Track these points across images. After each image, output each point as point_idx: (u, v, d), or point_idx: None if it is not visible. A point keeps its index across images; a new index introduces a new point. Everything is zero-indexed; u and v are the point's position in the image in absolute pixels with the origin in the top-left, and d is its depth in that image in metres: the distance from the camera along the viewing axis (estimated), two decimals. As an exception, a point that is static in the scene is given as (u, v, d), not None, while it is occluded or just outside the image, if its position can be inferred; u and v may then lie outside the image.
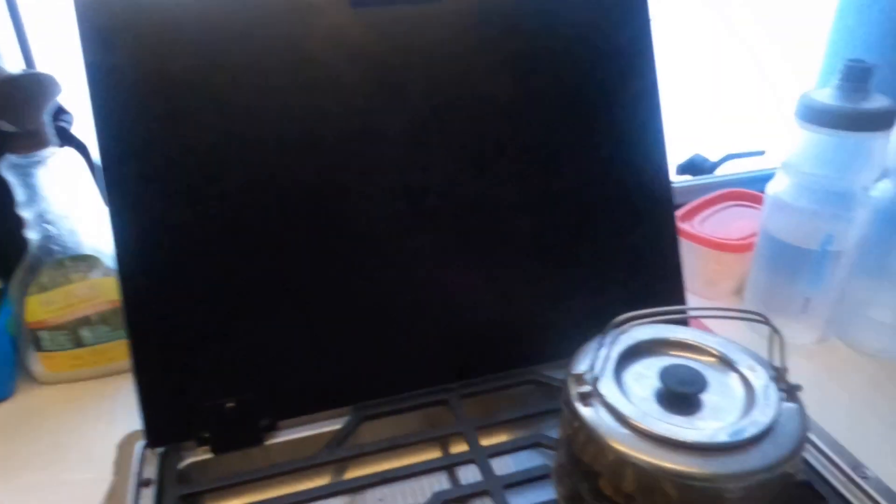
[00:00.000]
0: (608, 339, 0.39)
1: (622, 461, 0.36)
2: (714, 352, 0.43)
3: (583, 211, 0.55)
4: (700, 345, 0.43)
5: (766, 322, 0.39)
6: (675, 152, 0.87)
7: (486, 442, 0.50)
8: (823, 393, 0.54)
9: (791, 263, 0.56)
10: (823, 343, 0.61)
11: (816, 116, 0.50)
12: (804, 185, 0.54)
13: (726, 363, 0.42)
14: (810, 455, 0.47)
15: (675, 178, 0.82)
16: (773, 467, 0.36)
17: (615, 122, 0.55)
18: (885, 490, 0.44)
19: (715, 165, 0.82)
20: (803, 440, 0.37)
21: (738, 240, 0.64)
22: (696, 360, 0.42)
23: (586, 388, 0.39)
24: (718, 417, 0.38)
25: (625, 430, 0.37)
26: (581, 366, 0.41)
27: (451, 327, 0.54)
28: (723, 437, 0.36)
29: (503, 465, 0.50)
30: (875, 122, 0.49)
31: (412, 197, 0.51)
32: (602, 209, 0.56)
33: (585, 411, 0.39)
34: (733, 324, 0.63)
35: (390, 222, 0.51)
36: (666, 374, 0.40)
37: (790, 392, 0.39)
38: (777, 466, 0.36)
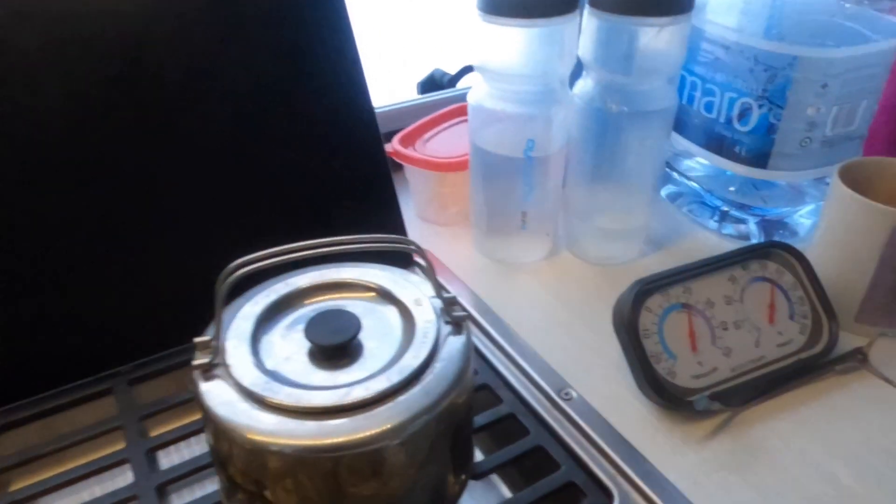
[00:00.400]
0: (224, 294, 0.31)
1: (245, 444, 0.29)
2: (378, 289, 0.36)
3: (280, 154, 0.48)
4: (363, 282, 0.36)
5: (417, 249, 0.33)
6: (417, 69, 0.81)
7: (160, 431, 0.41)
8: (542, 311, 0.51)
9: (502, 176, 0.51)
10: (553, 257, 0.57)
11: (496, 6, 0.44)
12: (500, 87, 0.49)
13: (390, 300, 0.36)
14: (518, 383, 0.43)
15: (416, 97, 0.75)
16: (427, 410, 0.30)
17: (304, 54, 0.48)
18: (586, 410, 0.41)
19: (455, 79, 0.76)
20: (463, 375, 0.32)
21: (458, 157, 0.58)
22: (358, 300, 0.36)
23: (206, 360, 0.31)
24: (369, 367, 0.32)
25: (246, 405, 0.30)
26: (210, 331, 0.33)
27: (110, 302, 0.44)
28: (360, 394, 0.30)
29: (182, 456, 0.42)
30: (555, 6, 0.44)
31: (64, 168, 0.41)
32: (300, 147, 0.49)
33: (206, 386, 0.31)
34: (468, 252, 0.58)
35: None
36: (311, 325, 0.33)
37: (457, 324, 0.34)
38: (432, 408, 0.30)
